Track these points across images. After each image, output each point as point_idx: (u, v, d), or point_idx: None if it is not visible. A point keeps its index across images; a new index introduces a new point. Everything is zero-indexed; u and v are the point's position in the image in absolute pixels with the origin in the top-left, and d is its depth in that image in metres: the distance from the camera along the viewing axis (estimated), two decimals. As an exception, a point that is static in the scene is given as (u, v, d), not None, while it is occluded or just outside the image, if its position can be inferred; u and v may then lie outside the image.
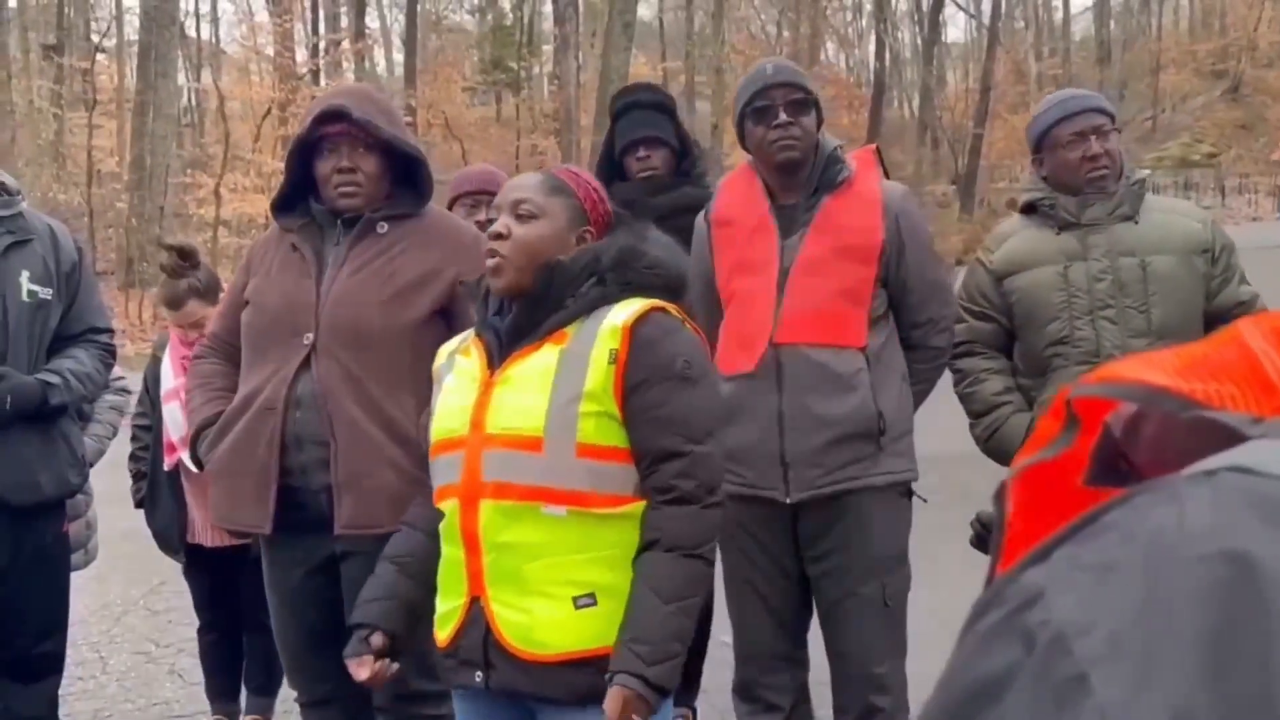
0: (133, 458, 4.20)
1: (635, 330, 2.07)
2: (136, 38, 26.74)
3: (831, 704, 3.10)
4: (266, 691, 4.13)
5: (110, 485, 4.87)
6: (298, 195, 2.90)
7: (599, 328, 2.09)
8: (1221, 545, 0.39)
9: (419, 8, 33.58)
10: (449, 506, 2.13)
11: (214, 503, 2.90)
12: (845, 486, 2.91)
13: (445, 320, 2.80)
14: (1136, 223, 3.12)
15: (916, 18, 38.53)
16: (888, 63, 34.70)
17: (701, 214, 3.18)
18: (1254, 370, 0.48)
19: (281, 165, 3.02)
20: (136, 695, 4.67)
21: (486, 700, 2.15)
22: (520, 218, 2.18)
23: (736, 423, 2.86)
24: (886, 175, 3.14)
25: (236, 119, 29.16)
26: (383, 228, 2.83)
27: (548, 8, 36.99)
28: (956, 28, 59.18)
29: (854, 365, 2.91)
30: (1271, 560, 0.38)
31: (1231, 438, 0.45)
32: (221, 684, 4.18)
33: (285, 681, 3.57)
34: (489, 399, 2.10)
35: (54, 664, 3.49)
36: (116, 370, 4.18)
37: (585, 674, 2.02)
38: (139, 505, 4.16)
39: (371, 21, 37.91)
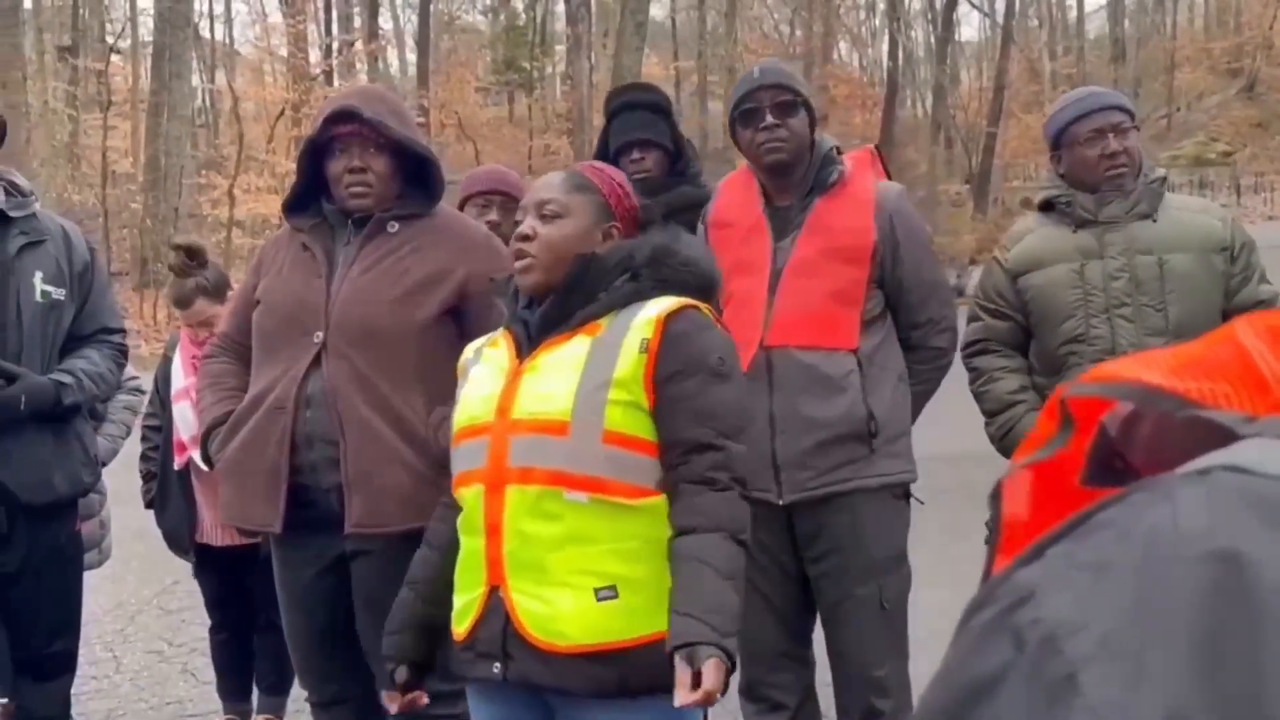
0: (143, 458, 4.22)
1: (669, 323, 2.08)
2: (151, 39, 26.83)
3: (835, 706, 3.09)
4: (278, 691, 4.14)
5: (123, 485, 4.89)
6: (310, 195, 2.91)
7: (632, 320, 2.10)
8: (1214, 545, 0.39)
9: (432, 8, 33.67)
10: (471, 492, 2.12)
11: (224, 502, 2.91)
12: (837, 488, 2.91)
13: (455, 320, 2.80)
14: (1155, 221, 3.10)
15: (930, 16, 38.42)
16: (901, 61, 34.62)
17: (700, 216, 3.18)
18: (1248, 369, 0.48)
19: (294, 166, 3.03)
20: (149, 694, 4.69)
21: (502, 695, 2.14)
22: (545, 218, 2.20)
23: None
24: (888, 175, 3.13)
25: (250, 120, 29.24)
26: (393, 227, 2.83)
27: (560, 8, 37.04)
28: (970, 26, 59.15)
29: (844, 367, 2.91)
30: (1263, 560, 0.38)
31: (1225, 436, 0.45)
32: (233, 683, 4.20)
33: (296, 681, 3.59)
34: (517, 386, 2.11)
35: (67, 663, 3.50)
36: (130, 370, 4.20)
37: (605, 667, 2.01)
38: (149, 505, 4.18)
39: (384, 22, 38.06)
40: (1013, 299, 3.22)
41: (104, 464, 3.99)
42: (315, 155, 2.87)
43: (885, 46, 37.61)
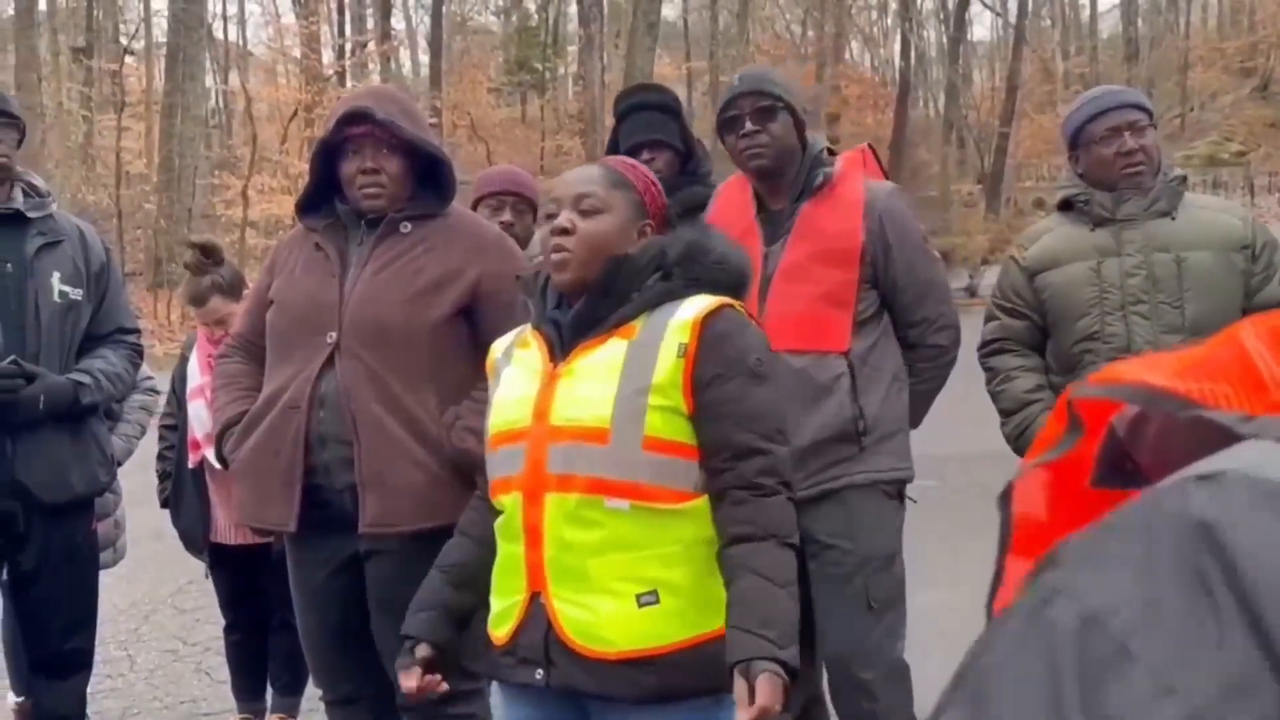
0: (159, 457, 4.24)
1: (706, 325, 2.05)
2: (165, 40, 26.95)
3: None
4: (292, 690, 4.15)
5: (139, 484, 4.91)
6: (323, 196, 2.92)
7: (668, 321, 2.07)
8: (1213, 539, 0.41)
9: (444, 9, 33.71)
10: (510, 500, 2.09)
11: (239, 502, 2.92)
12: (828, 485, 2.92)
13: (468, 320, 2.81)
14: (1174, 219, 3.09)
15: (942, 16, 38.36)
16: (913, 61, 34.57)
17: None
18: (1248, 370, 0.49)
19: (308, 166, 3.05)
20: (164, 693, 4.71)
21: (538, 698, 2.11)
22: (585, 213, 2.14)
23: None
24: (884, 173, 3.11)
25: (263, 120, 29.31)
26: (406, 227, 2.84)
27: (573, 9, 37.09)
28: (982, 26, 59.03)
29: (834, 370, 2.92)
30: (1245, 541, 0.40)
31: (1226, 436, 0.46)
32: (247, 682, 4.22)
33: (310, 681, 3.60)
34: (554, 391, 2.07)
35: (83, 661, 3.53)
36: (145, 370, 4.23)
37: (647, 673, 1.99)
38: (164, 505, 4.20)
39: (397, 23, 38.07)
40: (1030, 298, 3.21)
41: (119, 464, 4.02)
42: (328, 156, 2.87)
43: (897, 46, 37.59)
